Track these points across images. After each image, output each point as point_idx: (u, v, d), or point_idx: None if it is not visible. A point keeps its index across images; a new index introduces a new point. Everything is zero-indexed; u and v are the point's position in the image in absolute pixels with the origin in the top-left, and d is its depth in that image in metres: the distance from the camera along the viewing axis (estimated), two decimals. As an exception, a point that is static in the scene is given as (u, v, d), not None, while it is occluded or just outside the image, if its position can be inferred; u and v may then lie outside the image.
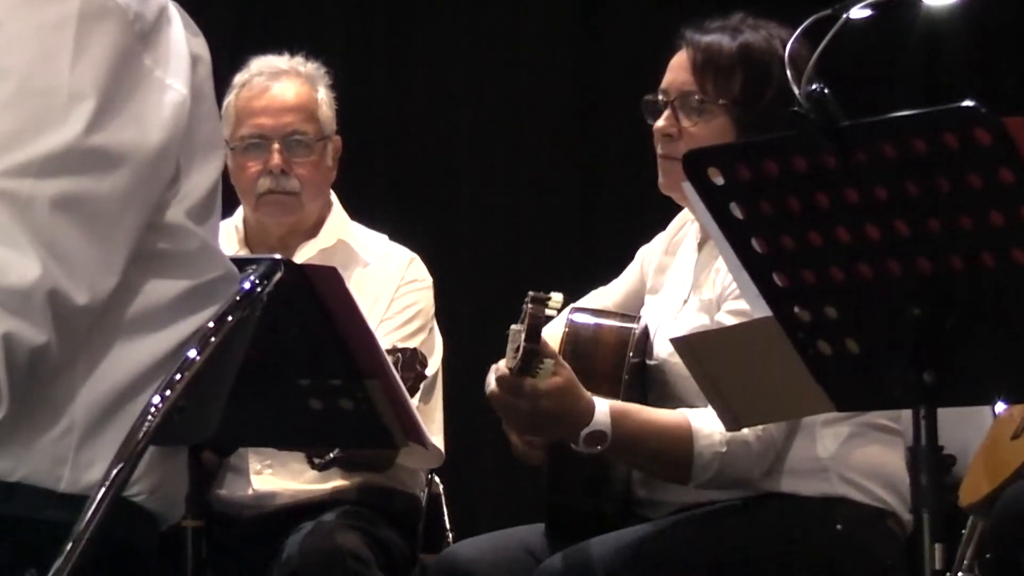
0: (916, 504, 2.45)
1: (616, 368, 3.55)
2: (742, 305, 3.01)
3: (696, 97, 3.57)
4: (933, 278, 2.39)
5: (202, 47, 2.42)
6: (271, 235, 4.24)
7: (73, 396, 2.29)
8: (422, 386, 4.00)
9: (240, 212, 4.26)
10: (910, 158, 2.32)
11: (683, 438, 3.40)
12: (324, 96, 4.25)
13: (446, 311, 4.33)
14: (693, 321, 3.51)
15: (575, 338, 3.60)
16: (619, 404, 3.43)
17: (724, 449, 3.40)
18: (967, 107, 2.28)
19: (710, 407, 3.12)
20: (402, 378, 3.55)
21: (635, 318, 3.68)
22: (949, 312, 2.39)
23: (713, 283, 3.51)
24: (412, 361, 3.71)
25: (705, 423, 3.39)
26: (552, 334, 3.59)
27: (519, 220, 5.72)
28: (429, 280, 4.23)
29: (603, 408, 3.37)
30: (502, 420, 3.53)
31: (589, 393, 3.38)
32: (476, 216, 5.72)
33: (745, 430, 3.36)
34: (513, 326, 3.37)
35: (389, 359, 3.53)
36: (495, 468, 4.98)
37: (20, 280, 2.18)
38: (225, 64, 4.22)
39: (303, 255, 4.12)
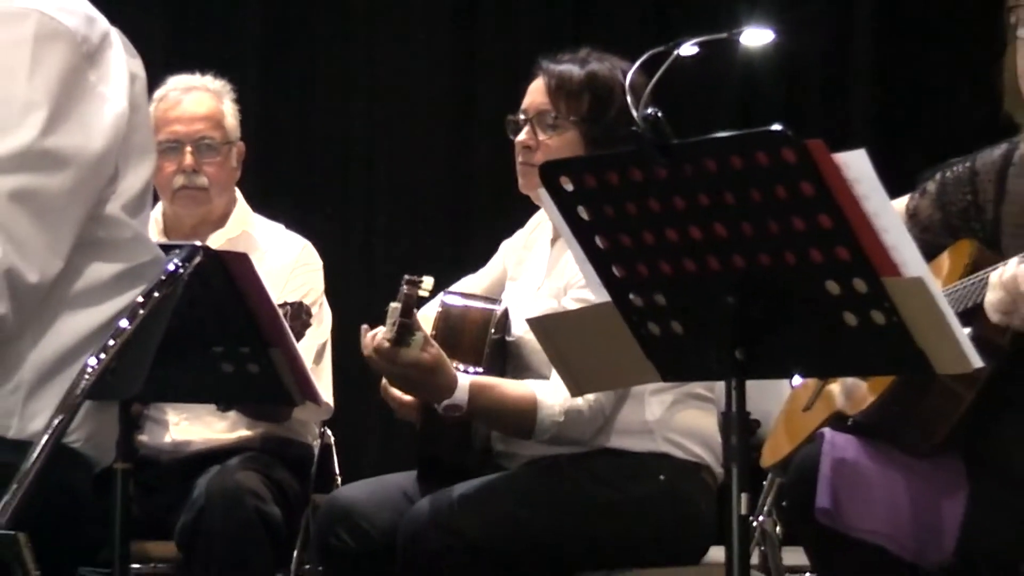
0: (726, 460, 2.45)
1: (479, 342, 3.56)
2: (586, 293, 3.01)
3: (551, 115, 3.58)
4: (745, 273, 2.38)
5: (138, 66, 2.40)
6: (185, 225, 4.24)
7: (22, 359, 2.30)
8: (315, 349, 4.02)
9: (160, 206, 4.25)
10: (728, 172, 2.31)
11: (528, 409, 3.43)
12: (229, 108, 4.30)
13: (336, 289, 4.32)
14: (545, 304, 3.52)
15: (447, 316, 3.60)
16: (478, 380, 3.44)
17: (561, 419, 3.43)
18: (776, 130, 2.27)
19: (556, 376, 3.12)
20: (290, 327, 3.55)
21: (497, 301, 3.69)
22: (757, 301, 2.39)
23: (563, 273, 3.53)
24: (298, 312, 3.74)
25: (548, 395, 3.41)
26: (428, 313, 3.60)
27: (402, 214, 5.70)
28: (319, 263, 4.27)
29: (464, 383, 3.39)
30: (381, 386, 3.53)
31: (454, 371, 3.39)
32: (366, 210, 5.70)
33: (579, 400, 3.38)
34: (391, 303, 3.35)
35: (280, 312, 3.52)
36: (378, 423, 4.96)
37: None
38: (159, 80, 4.22)
39: (212, 242, 4.13)
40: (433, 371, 3.38)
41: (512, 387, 3.48)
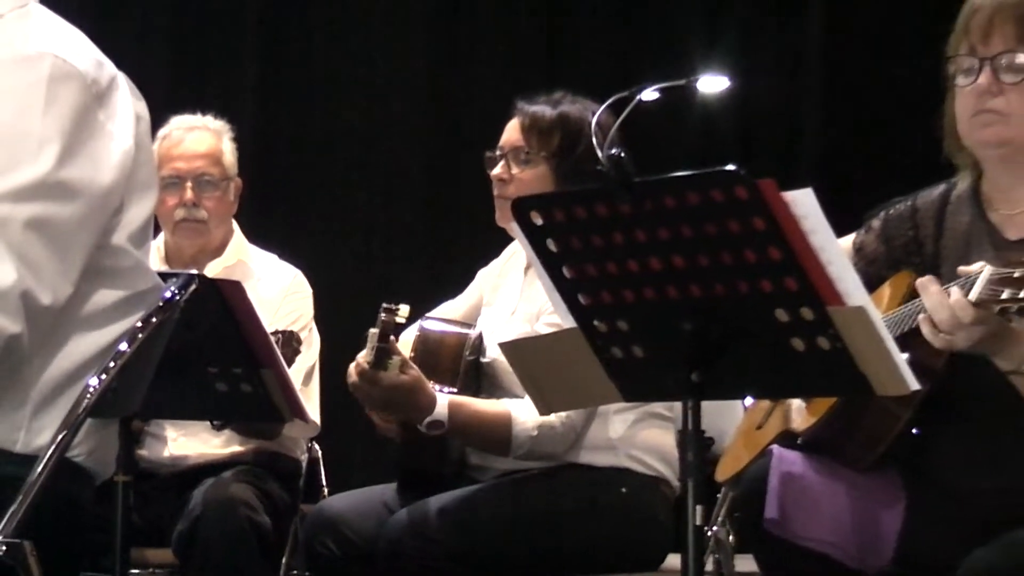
0: (683, 475, 2.44)
1: (455, 363, 3.57)
2: (555, 318, 3.02)
3: (524, 151, 3.61)
4: (701, 301, 2.38)
5: (143, 108, 2.41)
6: (185, 254, 4.24)
7: (31, 378, 2.29)
8: (304, 372, 4.02)
9: (162, 236, 4.25)
10: (686, 208, 2.32)
11: (504, 425, 3.44)
12: (228, 146, 4.30)
13: (325, 316, 4.32)
14: (519, 329, 3.53)
15: (425, 339, 3.61)
16: (456, 398, 3.45)
17: (535, 433, 3.43)
18: (730, 170, 2.28)
19: (527, 396, 3.13)
20: (282, 353, 3.56)
21: (472, 326, 3.70)
22: (712, 327, 2.39)
23: (535, 300, 3.54)
24: (289, 339, 3.75)
25: (522, 413, 3.42)
26: (408, 338, 3.61)
27: (388, 245, 5.70)
28: (309, 290, 4.26)
29: (443, 402, 3.41)
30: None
31: (433, 390, 3.40)
32: (355, 241, 5.70)
33: (552, 417, 3.39)
34: (371, 329, 3.38)
35: (272, 339, 3.53)
36: (362, 439, 4.95)
37: (0, 282, 2.15)
38: (163, 119, 4.23)
39: (210, 271, 4.12)
40: (413, 391, 3.39)
41: (488, 405, 3.48)
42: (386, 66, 5.73)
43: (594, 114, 3.55)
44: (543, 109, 3.63)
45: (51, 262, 2.21)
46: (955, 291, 2.59)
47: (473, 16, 5.75)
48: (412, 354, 3.53)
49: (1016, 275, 2.47)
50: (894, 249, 3.05)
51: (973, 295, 2.53)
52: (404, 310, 3.36)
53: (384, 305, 3.35)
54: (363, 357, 3.39)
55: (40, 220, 2.20)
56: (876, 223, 3.10)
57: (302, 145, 5.75)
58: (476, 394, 3.55)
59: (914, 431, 2.90)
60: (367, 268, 5.60)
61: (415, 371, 3.39)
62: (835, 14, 5.52)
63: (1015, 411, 2.70)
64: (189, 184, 4.20)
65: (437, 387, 3.46)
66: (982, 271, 2.54)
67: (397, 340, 3.43)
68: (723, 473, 3.27)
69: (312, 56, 5.78)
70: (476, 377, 3.58)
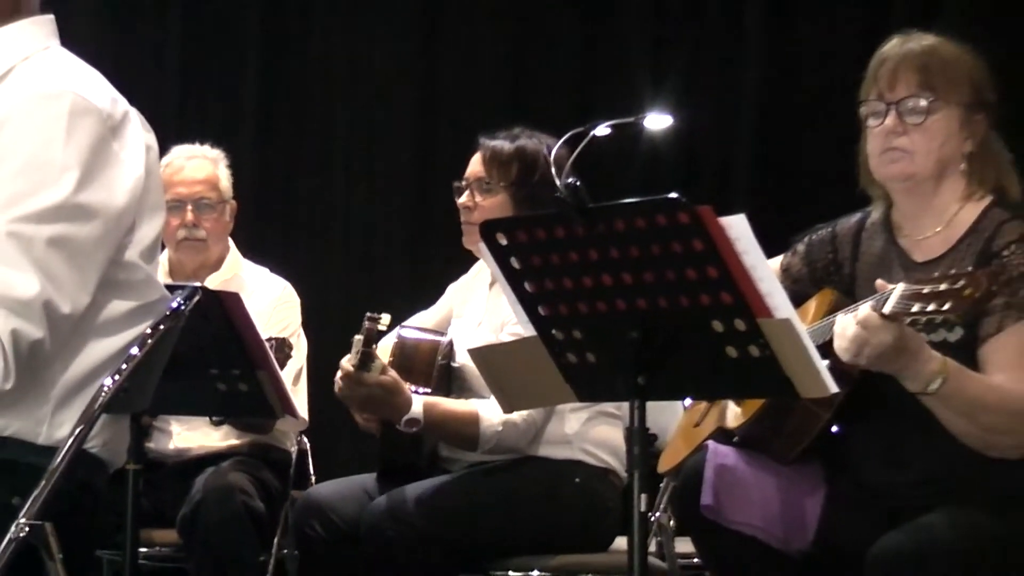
0: (630, 467, 2.45)
1: (429, 367, 3.56)
2: (518, 328, 3.02)
3: (485, 181, 3.61)
4: (647, 312, 2.39)
5: (152, 139, 2.40)
6: (187, 269, 4.23)
7: (52, 379, 2.27)
8: (293, 373, 4.01)
9: (166, 252, 4.24)
10: (634, 231, 2.33)
11: (472, 422, 3.43)
12: (224, 172, 4.30)
13: (312, 323, 4.32)
14: (484, 337, 3.53)
15: (402, 346, 3.61)
16: (429, 398, 3.45)
17: (500, 429, 3.43)
18: (673, 198, 2.29)
19: (493, 397, 3.13)
20: (275, 357, 3.56)
21: (444, 334, 3.69)
22: (657, 336, 2.40)
23: (499, 312, 3.53)
24: (281, 346, 3.74)
25: (488, 411, 3.42)
26: (387, 343, 3.60)
27: (370, 261, 5.69)
28: (297, 300, 4.26)
29: (418, 402, 3.41)
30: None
31: (409, 391, 3.40)
32: (340, 256, 5.68)
33: (515, 415, 3.39)
34: (356, 336, 3.38)
35: (267, 345, 3.53)
36: (346, 434, 4.94)
37: (25, 293, 2.17)
38: (166, 148, 4.22)
39: (209, 283, 4.12)
40: (392, 392, 3.39)
41: (458, 405, 3.48)
42: (371, 99, 5.74)
43: (549, 148, 3.56)
44: (502, 144, 3.64)
45: (70, 275, 2.21)
46: (864, 307, 2.61)
47: (450, 66, 5.77)
48: (391, 358, 3.53)
49: (925, 291, 2.49)
50: (816, 270, 3.07)
51: (887, 308, 2.54)
52: (386, 319, 3.37)
53: (368, 314, 3.35)
54: (348, 360, 3.39)
55: (61, 238, 2.20)
56: (801, 247, 3.12)
57: (293, 170, 5.74)
58: (447, 395, 3.55)
59: (833, 429, 2.91)
60: (351, 281, 5.58)
61: (394, 374, 3.40)
62: (769, 61, 5.55)
63: (920, 415, 2.71)
64: (189, 207, 4.20)
65: (413, 388, 3.46)
66: (896, 287, 2.56)
67: (376, 346, 3.43)
68: (664, 465, 3.27)
69: (303, 87, 5.78)
70: (447, 379, 3.58)
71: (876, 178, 2.93)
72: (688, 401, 3.29)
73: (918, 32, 2.93)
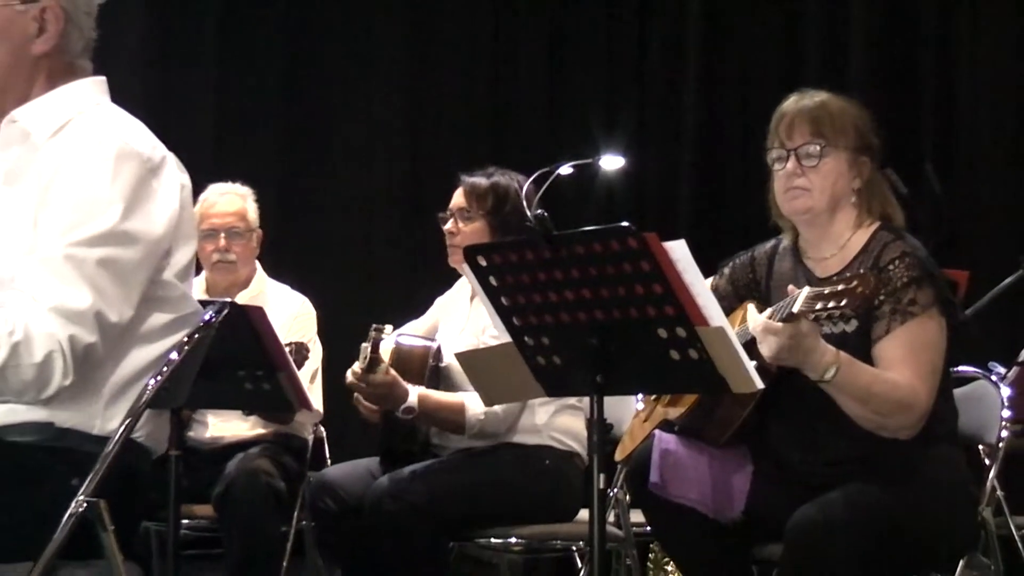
0: (590, 451, 2.44)
1: (422, 368, 3.56)
2: (495, 334, 3.02)
3: (466, 211, 3.61)
4: (603, 323, 2.38)
5: (186, 179, 2.40)
6: (220, 287, 4.22)
7: (104, 380, 2.26)
8: (310, 373, 4.00)
9: (203, 273, 4.24)
10: (592, 254, 2.32)
11: (459, 412, 3.44)
12: (251, 206, 4.31)
13: (327, 332, 4.30)
14: (466, 342, 3.53)
15: (399, 351, 3.60)
16: (423, 391, 3.45)
17: (483, 418, 3.43)
18: (624, 226, 2.29)
19: (475, 392, 3.13)
20: (294, 360, 3.57)
21: (433, 340, 3.69)
22: (612, 342, 2.39)
23: (478, 321, 3.54)
24: (300, 350, 3.76)
25: (472, 403, 3.42)
26: (387, 347, 3.59)
27: (372, 283, 5.70)
28: (313, 312, 4.26)
29: (414, 393, 3.40)
30: (354, 399, 3.53)
31: (406, 387, 3.40)
32: (349, 278, 5.68)
33: (496, 407, 3.38)
34: (363, 344, 3.40)
35: (287, 350, 3.53)
36: (354, 424, 4.92)
37: (79, 305, 2.16)
38: (203, 184, 4.21)
39: (239, 299, 4.09)
40: (393, 387, 3.40)
41: (447, 397, 3.48)
42: (363, 138, 5.77)
43: (520, 184, 3.58)
44: (479, 180, 3.66)
45: (117, 291, 2.20)
46: (767, 312, 2.65)
47: (439, 106, 5.79)
48: (390, 361, 3.53)
49: (826, 292, 2.54)
50: (739, 288, 3.08)
51: (796, 307, 2.57)
52: (389, 329, 3.43)
53: (374, 325, 3.41)
54: (358, 365, 3.42)
55: (108, 260, 2.19)
56: (726, 269, 3.13)
57: (311, 206, 5.74)
58: (437, 389, 3.54)
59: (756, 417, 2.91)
60: (358, 296, 5.58)
61: (394, 373, 3.42)
62: (705, 108, 5.59)
63: (829, 407, 2.73)
64: (222, 235, 4.20)
65: (409, 385, 3.47)
66: (803, 291, 2.59)
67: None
68: (620, 454, 3.27)
69: (321, 140, 5.80)
70: (437, 377, 3.58)
71: (783, 212, 2.95)
72: (640, 397, 3.28)
73: (812, 90, 2.95)
